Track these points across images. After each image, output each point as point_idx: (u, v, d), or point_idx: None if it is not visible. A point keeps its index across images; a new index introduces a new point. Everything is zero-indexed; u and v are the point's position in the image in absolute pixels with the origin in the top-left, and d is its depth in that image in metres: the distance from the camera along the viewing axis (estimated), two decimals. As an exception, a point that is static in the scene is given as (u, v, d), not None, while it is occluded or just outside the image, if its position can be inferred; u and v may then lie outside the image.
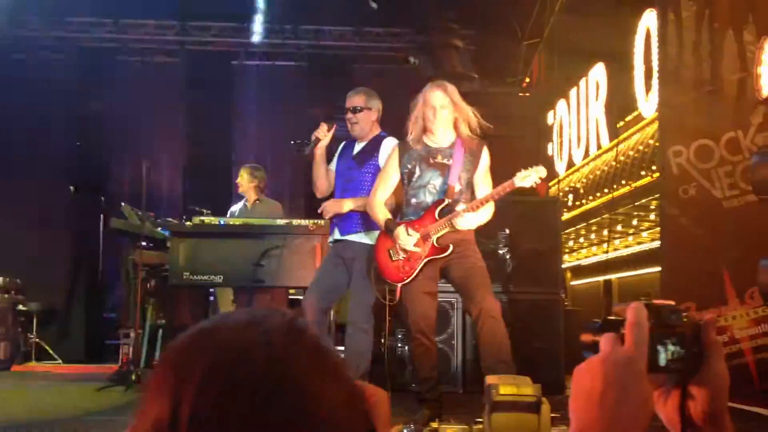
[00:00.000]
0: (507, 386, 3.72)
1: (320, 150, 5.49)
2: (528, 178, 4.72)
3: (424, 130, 4.96)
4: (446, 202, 4.86)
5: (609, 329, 0.95)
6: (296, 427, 0.77)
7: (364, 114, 5.44)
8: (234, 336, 0.81)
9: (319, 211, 5.46)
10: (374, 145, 5.44)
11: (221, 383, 0.77)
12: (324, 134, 5.42)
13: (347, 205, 5.32)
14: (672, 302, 0.98)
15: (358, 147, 5.51)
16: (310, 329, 0.85)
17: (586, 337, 0.99)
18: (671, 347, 0.94)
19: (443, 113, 4.87)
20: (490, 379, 3.89)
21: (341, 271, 5.35)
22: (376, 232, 5.21)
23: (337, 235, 5.42)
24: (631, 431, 0.88)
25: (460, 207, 4.77)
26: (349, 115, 5.43)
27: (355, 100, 5.47)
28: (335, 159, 5.65)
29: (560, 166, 11.86)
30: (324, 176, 5.55)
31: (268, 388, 0.77)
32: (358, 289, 5.28)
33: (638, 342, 0.92)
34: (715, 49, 6.10)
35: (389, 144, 5.38)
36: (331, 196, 5.55)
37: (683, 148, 6.28)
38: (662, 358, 0.94)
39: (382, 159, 5.33)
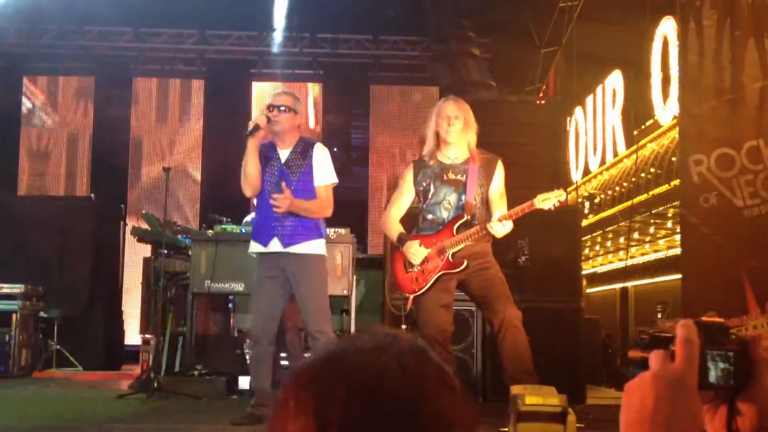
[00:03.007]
0: (533, 396, 3.73)
1: (257, 140, 5.17)
2: (548, 201, 4.74)
3: (438, 145, 4.99)
4: (465, 218, 4.89)
5: (658, 346, 0.96)
6: None
7: (291, 116, 5.23)
8: (367, 360, 0.84)
9: (276, 204, 5.06)
10: (304, 150, 5.27)
11: (363, 405, 0.81)
12: (263, 123, 5.13)
13: (301, 205, 5.10)
14: (721, 320, 0.99)
15: (283, 153, 5.27)
16: (432, 351, 0.88)
17: (634, 354, 0.99)
18: (721, 364, 0.95)
19: (457, 124, 4.90)
20: (515, 390, 3.89)
21: (281, 285, 5.15)
22: (322, 241, 5.21)
23: (275, 247, 5.14)
24: None
25: (496, 215, 4.80)
26: (275, 113, 5.16)
27: (287, 100, 5.27)
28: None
29: (576, 174, 11.86)
30: (258, 172, 5.19)
31: (408, 408, 0.82)
32: (315, 295, 5.14)
33: (689, 359, 0.93)
34: (736, 57, 6.09)
35: (321, 150, 5.28)
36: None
37: (704, 157, 6.26)
38: (712, 375, 0.95)
39: (316, 164, 5.21)
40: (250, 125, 5.15)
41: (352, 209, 11.33)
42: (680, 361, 0.93)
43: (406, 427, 0.81)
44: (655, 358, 0.95)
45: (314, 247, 5.18)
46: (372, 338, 0.88)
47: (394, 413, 0.81)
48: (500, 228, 4.77)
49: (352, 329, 7.01)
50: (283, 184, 5.11)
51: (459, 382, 0.90)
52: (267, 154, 5.25)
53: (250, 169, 5.16)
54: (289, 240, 5.11)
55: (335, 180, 5.33)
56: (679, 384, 0.92)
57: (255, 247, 5.25)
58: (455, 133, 4.92)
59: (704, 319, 0.99)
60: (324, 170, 5.28)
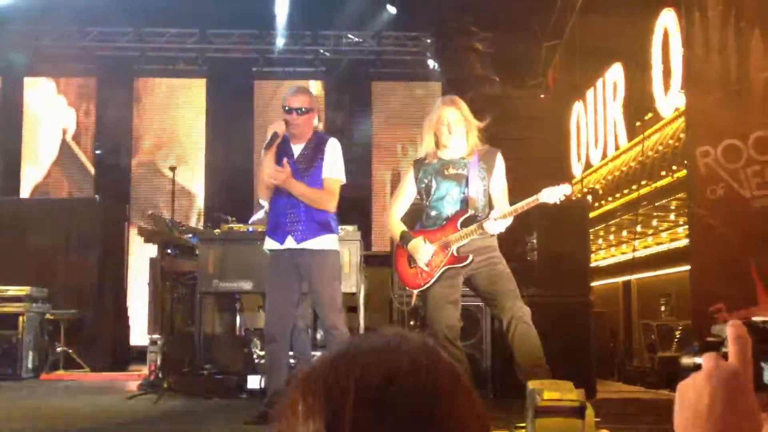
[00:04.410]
0: (550, 391, 3.72)
1: (275, 147, 5.17)
2: (553, 195, 4.73)
3: (437, 144, 4.98)
4: (469, 213, 4.88)
5: (709, 351, 0.96)
6: None
7: (309, 116, 5.25)
8: (378, 360, 0.83)
9: (268, 176, 5.05)
10: (317, 145, 5.27)
11: (374, 406, 0.79)
12: (282, 129, 5.13)
13: (299, 187, 5.09)
14: None
15: (296, 149, 5.26)
16: (443, 350, 0.87)
17: (686, 361, 0.99)
18: None
19: (457, 129, 4.90)
20: (532, 384, 3.89)
21: (295, 282, 5.16)
22: (335, 236, 5.22)
23: (290, 244, 5.12)
24: None
25: (494, 214, 4.77)
26: (294, 116, 5.15)
27: (302, 100, 5.23)
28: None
29: (577, 167, 11.85)
30: None
31: (421, 408, 0.80)
32: (329, 291, 5.14)
33: (742, 356, 0.93)
34: (741, 47, 6.09)
35: (334, 146, 5.28)
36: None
37: (711, 148, 6.26)
38: (766, 376, 0.94)
39: (328, 160, 5.22)
40: (269, 133, 5.16)
41: (355, 207, 11.33)
42: (733, 358, 0.93)
43: (419, 428, 0.80)
44: (707, 358, 0.94)
45: (328, 242, 5.18)
46: (382, 338, 0.87)
47: (407, 414, 0.80)
48: (496, 227, 4.75)
49: (361, 327, 7.01)
50: (285, 160, 5.10)
51: (470, 380, 0.89)
52: (281, 149, 5.24)
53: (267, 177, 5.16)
54: (303, 236, 5.11)
55: (343, 177, 5.32)
56: (734, 380, 0.91)
57: (270, 244, 5.24)
58: (455, 138, 4.91)
59: (754, 318, 0.98)
60: (334, 165, 5.28)
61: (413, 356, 0.83)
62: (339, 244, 5.35)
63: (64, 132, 12.76)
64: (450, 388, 0.83)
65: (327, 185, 5.23)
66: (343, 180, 5.32)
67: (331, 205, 5.26)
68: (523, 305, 4.78)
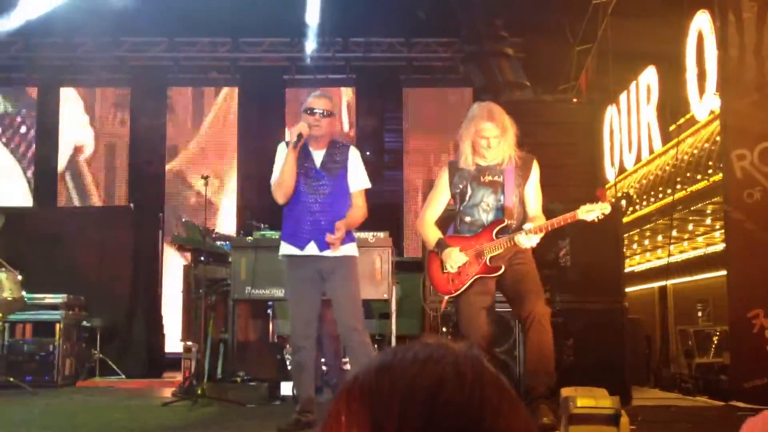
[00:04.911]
0: (585, 398, 3.68)
1: (299, 149, 5.15)
2: (591, 213, 4.69)
3: (474, 152, 4.96)
4: (505, 222, 4.86)
5: None
6: None
7: (332, 120, 5.26)
8: (423, 370, 0.82)
9: (332, 240, 5.02)
10: (341, 153, 5.26)
11: (421, 416, 0.78)
12: (306, 131, 5.09)
13: (348, 226, 5.13)
14: None
15: (317, 155, 5.24)
16: (487, 360, 0.86)
17: None
18: None
19: (496, 143, 4.88)
20: (566, 392, 3.86)
21: (317, 289, 5.16)
22: (354, 243, 5.23)
23: (312, 251, 5.11)
24: None
25: (527, 226, 4.75)
26: (317, 118, 5.12)
27: (325, 103, 5.23)
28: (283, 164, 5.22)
29: (611, 172, 11.73)
30: (294, 180, 5.17)
31: (468, 418, 0.80)
32: (350, 294, 5.14)
33: None
34: (777, 49, 6.00)
35: (356, 154, 5.28)
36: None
37: (747, 152, 6.18)
38: None
39: (351, 168, 5.21)
40: (294, 134, 5.14)
41: (387, 213, 11.33)
42: None
43: None
44: None
45: (349, 249, 5.19)
46: (425, 348, 0.87)
47: (454, 424, 0.79)
48: (527, 242, 4.73)
49: (393, 333, 7.00)
50: (337, 224, 5.04)
51: (514, 390, 0.88)
52: (301, 156, 5.22)
53: (290, 178, 5.13)
54: (327, 245, 5.09)
55: (369, 184, 5.34)
56: None
57: (289, 250, 5.20)
58: (494, 151, 4.90)
59: None
60: (359, 175, 5.28)
61: (458, 366, 0.83)
62: (370, 250, 5.37)
63: (99, 142, 12.91)
64: (496, 397, 0.82)
65: (357, 200, 5.24)
66: (369, 185, 5.35)
67: (365, 215, 5.30)
68: (544, 306, 4.77)
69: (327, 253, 5.10)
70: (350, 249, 5.20)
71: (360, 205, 5.24)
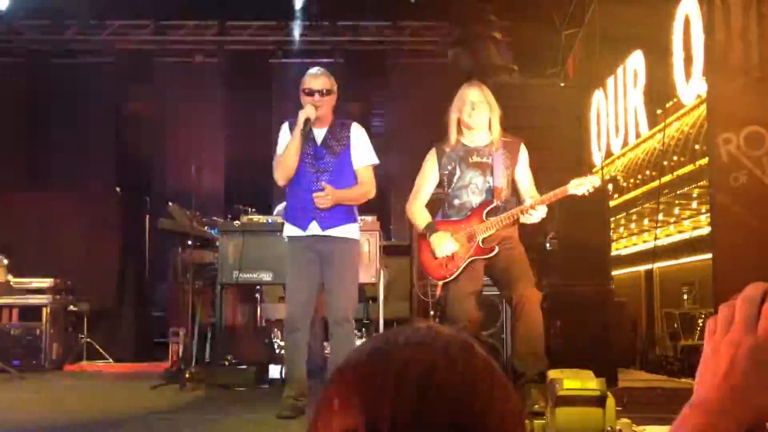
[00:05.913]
0: (571, 380, 3.71)
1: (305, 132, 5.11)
2: (582, 186, 4.73)
3: (460, 130, 4.96)
4: (494, 203, 4.87)
5: None
6: None
7: (331, 98, 5.18)
8: (415, 354, 0.83)
9: (319, 202, 4.99)
10: (341, 129, 5.21)
11: (414, 399, 0.79)
12: (313, 114, 5.05)
13: (345, 197, 5.07)
14: None
15: (319, 132, 5.19)
16: (477, 344, 0.87)
17: None
18: None
19: (481, 108, 4.88)
20: (553, 374, 3.89)
21: (317, 270, 5.09)
22: (357, 225, 5.18)
23: (314, 230, 5.06)
24: None
25: (528, 201, 4.77)
26: (317, 98, 5.06)
27: (325, 82, 5.15)
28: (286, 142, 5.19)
29: (598, 156, 11.77)
30: (297, 162, 5.13)
31: (459, 401, 0.81)
32: (346, 281, 5.09)
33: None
34: (764, 34, 6.02)
35: (359, 130, 5.23)
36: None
37: (733, 136, 6.20)
38: None
39: (355, 145, 5.15)
40: (302, 118, 5.02)
41: (374, 197, 11.31)
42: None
43: (458, 421, 0.80)
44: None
45: (351, 231, 5.14)
46: (416, 332, 0.87)
47: (446, 407, 0.80)
48: (532, 217, 4.76)
49: (381, 317, 7.02)
50: (323, 183, 5.03)
51: (504, 374, 0.89)
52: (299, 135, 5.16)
53: (293, 159, 5.09)
54: (330, 222, 5.04)
55: (376, 160, 5.26)
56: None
57: (292, 231, 5.16)
58: (479, 118, 4.90)
59: None
60: (364, 151, 5.20)
61: (450, 350, 0.84)
62: (359, 234, 5.32)
63: (86, 125, 12.80)
64: (487, 381, 0.83)
65: (363, 176, 5.17)
66: (377, 161, 5.27)
67: (372, 193, 5.24)
68: (534, 290, 4.80)
69: (330, 232, 5.05)
70: (352, 231, 5.14)
71: (365, 182, 5.17)
